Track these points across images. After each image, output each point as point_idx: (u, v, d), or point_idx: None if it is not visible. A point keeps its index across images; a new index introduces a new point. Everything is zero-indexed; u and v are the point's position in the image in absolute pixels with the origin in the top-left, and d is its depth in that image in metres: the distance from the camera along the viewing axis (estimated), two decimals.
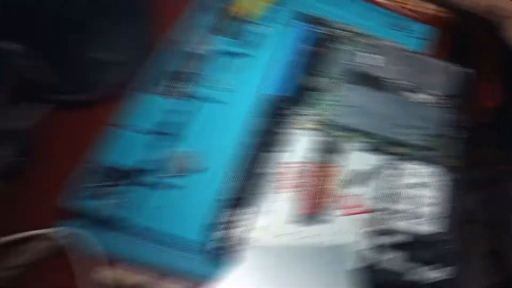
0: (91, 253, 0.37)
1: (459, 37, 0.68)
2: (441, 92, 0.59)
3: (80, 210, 0.38)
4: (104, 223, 0.39)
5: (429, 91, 0.59)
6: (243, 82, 0.51)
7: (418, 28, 0.67)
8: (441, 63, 0.64)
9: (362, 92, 0.57)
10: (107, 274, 0.38)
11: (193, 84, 0.49)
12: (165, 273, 0.38)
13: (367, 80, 0.58)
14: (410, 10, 0.72)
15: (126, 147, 0.42)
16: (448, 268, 0.44)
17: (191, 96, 0.48)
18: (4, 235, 0.36)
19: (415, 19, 0.70)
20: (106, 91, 0.45)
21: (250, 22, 0.57)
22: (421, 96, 0.59)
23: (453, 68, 0.64)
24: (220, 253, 0.40)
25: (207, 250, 0.40)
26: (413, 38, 0.65)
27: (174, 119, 0.47)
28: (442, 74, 0.63)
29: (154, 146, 0.44)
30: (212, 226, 0.41)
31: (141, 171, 0.43)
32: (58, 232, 0.38)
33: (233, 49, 0.53)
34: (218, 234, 0.41)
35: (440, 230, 0.48)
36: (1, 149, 0.38)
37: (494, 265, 0.66)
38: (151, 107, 0.46)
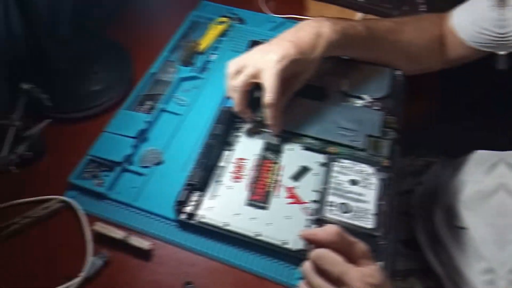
0: (83, 213, 0.55)
1: None
2: (374, 95, 0.64)
3: (79, 185, 0.58)
4: (95, 194, 0.57)
5: (364, 95, 0.64)
6: (196, 98, 0.69)
7: None
8: (373, 68, 0.67)
9: (301, 100, 0.62)
10: (95, 228, 0.52)
11: (159, 102, 0.67)
12: (135, 231, 0.54)
13: (307, 89, 0.62)
14: None
15: (114, 146, 0.61)
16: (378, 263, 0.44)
17: (157, 110, 0.66)
18: (24, 197, 0.56)
19: None
20: (100, 109, 0.67)
21: (204, 52, 0.73)
22: (357, 100, 0.63)
23: (384, 70, 0.66)
24: (186, 224, 0.53)
25: (176, 221, 0.54)
26: None
27: (146, 127, 0.64)
28: (375, 78, 0.65)
29: (133, 146, 0.61)
30: (178, 204, 0.53)
31: (123, 163, 0.59)
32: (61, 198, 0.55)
33: (190, 74, 0.71)
34: (183, 210, 0.53)
35: (372, 226, 0.51)
36: (20, 147, 0.57)
37: (411, 253, 0.69)
38: (131, 119, 0.64)
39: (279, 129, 0.58)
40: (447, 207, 0.66)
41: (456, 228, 0.63)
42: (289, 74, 0.56)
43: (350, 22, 0.61)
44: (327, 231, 0.41)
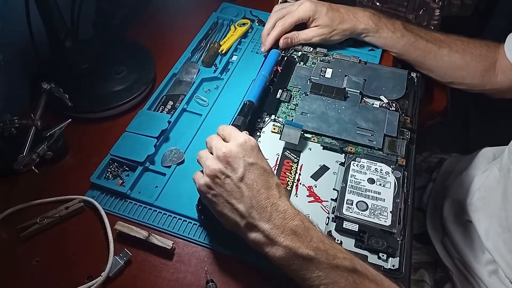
0: (105, 213, 0.56)
1: None
2: (391, 96, 0.66)
3: (101, 185, 0.58)
4: (116, 194, 0.58)
5: (381, 96, 0.66)
6: (217, 99, 0.69)
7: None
8: (389, 69, 0.70)
9: (321, 101, 0.65)
10: (117, 227, 0.53)
11: (180, 102, 0.68)
12: (156, 230, 0.55)
13: (327, 90, 0.66)
14: None
15: (136, 145, 0.61)
16: (393, 259, 0.50)
17: (178, 110, 0.67)
18: (46, 197, 0.57)
19: None
20: (121, 109, 0.68)
21: (225, 53, 0.75)
22: (374, 101, 0.66)
23: (400, 72, 0.69)
24: (207, 223, 0.55)
25: (198, 220, 0.56)
26: (365, 50, 0.76)
27: (167, 127, 0.64)
28: (392, 80, 0.68)
29: (155, 146, 0.62)
30: (200, 204, 0.53)
31: (144, 162, 0.60)
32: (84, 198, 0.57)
33: (211, 75, 0.73)
34: (204, 209, 0.52)
35: (389, 223, 0.52)
36: (41, 147, 0.57)
37: (422, 247, 0.74)
38: (153, 119, 0.65)
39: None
40: (455, 202, 0.69)
41: (463, 222, 0.66)
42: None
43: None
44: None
